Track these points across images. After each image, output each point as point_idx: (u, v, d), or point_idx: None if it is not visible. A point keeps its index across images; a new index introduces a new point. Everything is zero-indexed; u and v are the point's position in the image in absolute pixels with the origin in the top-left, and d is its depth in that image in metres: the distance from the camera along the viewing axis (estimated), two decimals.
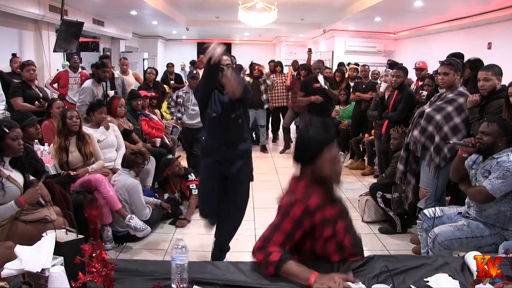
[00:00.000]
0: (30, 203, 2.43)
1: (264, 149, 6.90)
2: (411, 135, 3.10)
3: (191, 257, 1.49)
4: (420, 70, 5.33)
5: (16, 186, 2.39)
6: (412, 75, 5.71)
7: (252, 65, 6.68)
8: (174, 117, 5.15)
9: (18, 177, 2.44)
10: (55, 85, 5.58)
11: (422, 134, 2.98)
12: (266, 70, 7.26)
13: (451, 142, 2.71)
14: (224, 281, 1.58)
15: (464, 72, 3.08)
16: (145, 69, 7.86)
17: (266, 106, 6.76)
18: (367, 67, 6.46)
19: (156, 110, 5.41)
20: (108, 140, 3.80)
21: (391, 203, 3.55)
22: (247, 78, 6.51)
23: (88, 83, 4.80)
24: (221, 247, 2.90)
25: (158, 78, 7.22)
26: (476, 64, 3.56)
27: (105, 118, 3.87)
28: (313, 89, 5.31)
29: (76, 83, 5.56)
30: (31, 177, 2.58)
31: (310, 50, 8.19)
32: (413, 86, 5.66)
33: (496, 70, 2.86)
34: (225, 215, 2.84)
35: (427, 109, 3.01)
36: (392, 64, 5.92)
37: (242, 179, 2.78)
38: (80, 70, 5.80)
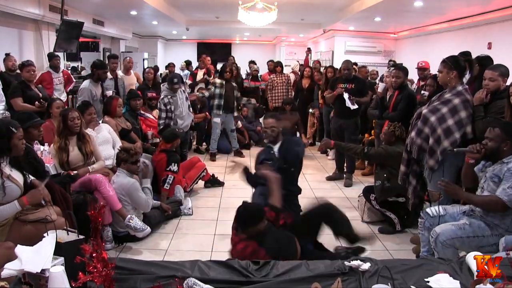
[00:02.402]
0: (32, 204, 2.44)
1: (239, 153, 6.23)
2: (409, 136, 3.09)
3: (191, 257, 1.49)
4: (423, 70, 5.33)
5: (16, 185, 2.40)
6: (412, 75, 5.70)
7: (224, 67, 6.12)
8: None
9: (18, 176, 2.44)
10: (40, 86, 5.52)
11: (418, 135, 2.95)
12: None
13: (455, 150, 2.62)
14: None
15: (473, 69, 3.04)
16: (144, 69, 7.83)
17: (236, 114, 6.24)
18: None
19: (156, 111, 5.39)
20: (100, 136, 3.78)
21: (375, 192, 3.59)
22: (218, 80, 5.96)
23: (86, 83, 4.75)
24: None
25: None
26: (485, 61, 3.54)
27: (95, 118, 3.88)
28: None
29: (60, 83, 5.53)
30: (31, 177, 2.58)
31: (309, 50, 8.18)
32: (414, 86, 5.65)
33: (503, 71, 2.83)
34: None
35: (424, 110, 3.00)
36: (394, 65, 5.91)
37: None
38: (62, 69, 5.74)
